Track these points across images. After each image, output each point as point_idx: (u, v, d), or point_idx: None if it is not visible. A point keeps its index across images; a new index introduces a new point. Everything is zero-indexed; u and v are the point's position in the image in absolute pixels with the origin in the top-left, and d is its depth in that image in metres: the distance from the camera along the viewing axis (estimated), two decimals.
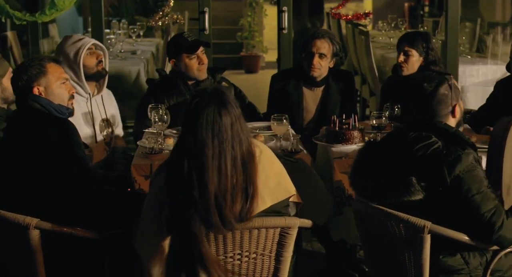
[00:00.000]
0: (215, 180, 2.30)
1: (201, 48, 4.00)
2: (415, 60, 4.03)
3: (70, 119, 3.07)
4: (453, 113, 2.72)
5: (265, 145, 2.57)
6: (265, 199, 2.43)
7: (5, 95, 3.33)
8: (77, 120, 3.68)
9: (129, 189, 3.25)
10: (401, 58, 4.03)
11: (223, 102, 2.34)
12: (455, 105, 2.72)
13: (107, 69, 3.92)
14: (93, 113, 3.86)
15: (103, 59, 3.86)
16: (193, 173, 2.30)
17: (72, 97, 3.12)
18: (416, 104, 2.72)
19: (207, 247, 2.35)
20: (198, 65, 3.98)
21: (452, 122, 2.73)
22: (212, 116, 2.31)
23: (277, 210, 2.49)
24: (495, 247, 2.61)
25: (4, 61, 3.52)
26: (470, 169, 2.55)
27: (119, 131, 4.06)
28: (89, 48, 3.80)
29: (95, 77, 3.85)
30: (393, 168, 2.61)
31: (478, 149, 2.76)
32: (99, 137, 3.85)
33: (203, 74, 4.01)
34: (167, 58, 4.30)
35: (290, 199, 2.57)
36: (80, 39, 3.83)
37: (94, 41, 3.88)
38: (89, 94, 3.84)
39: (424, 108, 2.70)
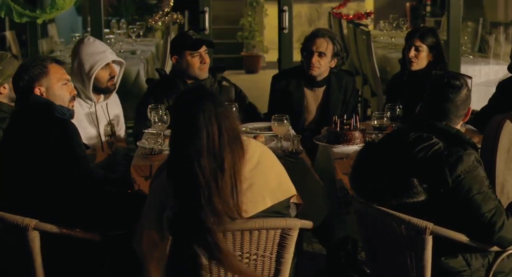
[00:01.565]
0: (208, 161, 2.33)
1: (204, 48, 3.99)
2: (425, 55, 4.03)
3: (74, 118, 3.06)
4: (466, 115, 2.73)
5: (266, 146, 2.57)
6: (265, 199, 2.43)
7: (13, 94, 3.32)
8: (81, 121, 3.68)
9: (129, 191, 3.23)
10: (412, 53, 4.02)
11: (203, 90, 2.44)
12: (469, 109, 2.73)
13: (117, 84, 3.90)
14: (98, 115, 3.85)
15: (116, 76, 3.84)
16: (194, 162, 2.32)
17: (73, 98, 3.11)
18: (434, 101, 2.68)
19: (222, 240, 2.36)
20: (199, 64, 3.97)
21: (460, 124, 2.72)
22: (195, 102, 2.37)
23: (278, 210, 2.48)
24: (497, 248, 2.60)
25: (14, 61, 3.51)
26: (471, 169, 2.54)
27: (121, 133, 4.05)
28: (106, 64, 3.77)
29: (102, 91, 3.83)
30: (393, 169, 2.60)
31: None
32: (103, 139, 3.83)
33: (204, 74, 4.00)
34: (169, 55, 4.28)
35: (291, 200, 2.57)
36: (101, 52, 3.78)
37: (114, 57, 3.83)
38: (94, 102, 3.84)
39: (445, 107, 2.66)
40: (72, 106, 3.10)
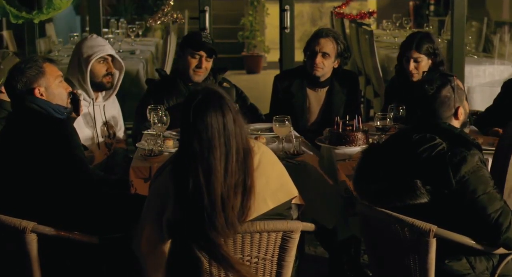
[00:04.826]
0: (222, 181, 2.29)
1: (205, 53, 3.92)
2: (425, 65, 3.95)
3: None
4: (456, 115, 2.69)
5: (266, 147, 2.54)
6: (267, 201, 2.40)
7: None
8: (78, 121, 3.64)
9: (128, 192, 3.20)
10: (412, 66, 3.92)
11: (221, 101, 2.33)
12: (458, 107, 2.69)
13: (117, 86, 3.89)
14: (95, 115, 3.82)
15: (113, 73, 3.83)
16: (200, 178, 2.28)
17: (69, 95, 3.09)
18: (418, 106, 2.69)
19: (227, 249, 2.33)
20: (195, 67, 3.91)
21: (455, 124, 2.70)
22: (215, 117, 2.29)
23: (280, 212, 2.46)
24: (502, 251, 2.57)
25: (16, 59, 3.49)
26: (475, 169, 2.51)
27: (121, 134, 4.02)
28: (104, 58, 3.77)
29: (97, 86, 3.82)
30: (397, 170, 2.58)
31: (485, 151, 2.72)
32: (100, 140, 3.81)
33: (197, 77, 3.95)
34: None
35: (293, 201, 2.54)
36: (101, 45, 3.80)
37: (113, 53, 3.84)
38: (92, 99, 3.81)
39: (426, 110, 2.67)
40: (69, 103, 3.07)
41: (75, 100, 3.32)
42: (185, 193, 2.30)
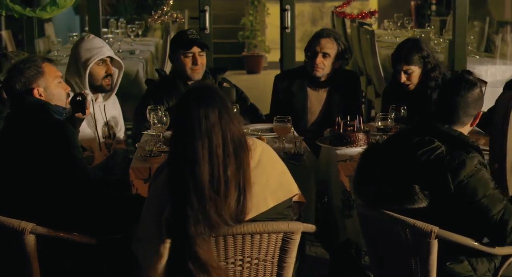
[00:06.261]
0: (208, 171, 2.26)
1: (198, 49, 3.91)
2: (417, 74, 3.90)
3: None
4: (475, 118, 2.68)
5: (267, 145, 2.53)
6: (267, 200, 2.39)
7: None
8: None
9: (128, 193, 3.19)
10: (403, 78, 3.88)
11: (209, 94, 2.33)
12: (478, 113, 2.68)
13: (116, 86, 3.88)
14: (96, 116, 3.81)
15: (112, 74, 3.81)
16: (186, 169, 2.26)
17: (68, 95, 3.09)
18: (446, 94, 2.64)
19: (205, 249, 2.29)
20: (191, 65, 3.90)
21: (466, 129, 2.68)
22: (198, 107, 2.29)
23: (280, 211, 2.44)
24: (504, 252, 2.57)
25: (23, 55, 3.48)
26: (474, 173, 2.50)
27: (121, 135, 4.01)
28: (102, 59, 3.75)
29: (97, 89, 3.80)
30: (395, 173, 2.57)
31: (487, 151, 2.71)
32: (101, 140, 3.80)
33: (196, 75, 3.94)
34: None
35: (294, 199, 2.53)
36: (98, 47, 3.77)
37: (111, 54, 3.82)
38: (92, 100, 3.79)
39: (448, 110, 2.62)
40: (68, 104, 3.06)
41: (81, 100, 3.31)
42: (174, 185, 2.29)
